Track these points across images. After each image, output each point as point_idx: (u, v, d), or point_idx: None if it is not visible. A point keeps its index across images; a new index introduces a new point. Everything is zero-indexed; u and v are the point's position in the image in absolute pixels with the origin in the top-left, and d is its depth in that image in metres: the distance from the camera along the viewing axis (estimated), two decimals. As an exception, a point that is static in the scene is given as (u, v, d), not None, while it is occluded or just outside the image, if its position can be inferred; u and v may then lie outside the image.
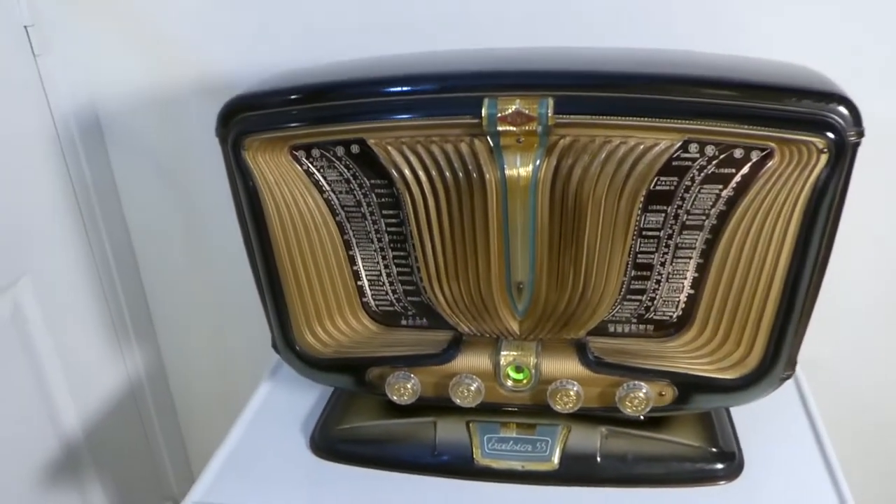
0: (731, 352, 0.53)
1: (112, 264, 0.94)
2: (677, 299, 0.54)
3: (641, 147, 0.48)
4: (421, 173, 0.51)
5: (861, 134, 0.46)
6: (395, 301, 0.58)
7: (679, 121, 0.47)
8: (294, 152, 0.53)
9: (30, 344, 0.83)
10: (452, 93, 0.48)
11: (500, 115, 0.47)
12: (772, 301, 0.50)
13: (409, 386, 0.56)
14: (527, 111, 0.47)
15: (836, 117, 0.45)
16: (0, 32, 0.75)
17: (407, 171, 0.51)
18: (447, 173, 0.50)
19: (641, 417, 0.59)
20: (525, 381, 0.55)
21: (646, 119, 0.47)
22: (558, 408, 0.54)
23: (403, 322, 0.59)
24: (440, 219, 0.52)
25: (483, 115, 0.47)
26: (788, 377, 0.54)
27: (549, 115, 0.47)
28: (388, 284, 0.58)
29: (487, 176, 0.49)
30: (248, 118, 0.51)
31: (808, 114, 0.45)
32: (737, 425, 0.62)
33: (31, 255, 0.82)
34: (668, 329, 0.55)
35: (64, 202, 0.86)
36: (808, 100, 0.46)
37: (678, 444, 0.57)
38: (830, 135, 0.45)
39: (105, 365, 0.97)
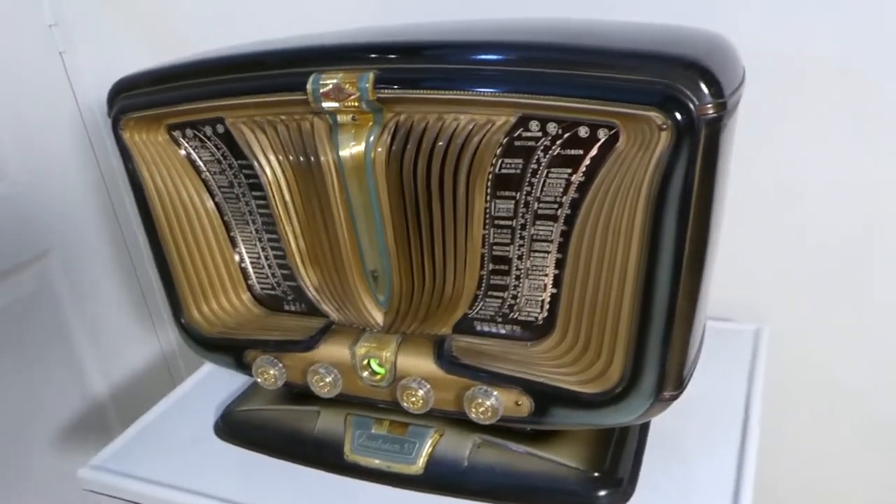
0: (593, 362, 0.46)
1: (142, 245, 1.02)
2: (540, 298, 0.48)
3: (474, 125, 0.44)
4: (271, 154, 0.50)
5: (721, 107, 0.38)
6: (275, 285, 0.57)
7: (506, 94, 0.41)
8: (172, 133, 0.54)
9: (58, 314, 0.92)
10: (286, 69, 0.47)
11: (321, 90, 0.45)
12: (626, 305, 0.43)
13: (272, 371, 0.55)
14: (346, 86, 0.44)
15: (680, 87, 0.38)
16: (27, 32, 0.85)
17: (258, 151, 0.50)
18: (290, 155, 0.49)
19: (528, 429, 0.53)
20: (379, 378, 0.52)
21: (469, 93, 0.42)
22: (406, 406, 0.50)
23: (287, 307, 0.58)
24: (294, 200, 0.51)
25: (308, 90, 0.45)
26: (674, 398, 0.46)
27: (370, 88, 0.44)
28: (267, 267, 0.57)
29: (323, 157, 0.47)
30: (124, 98, 0.53)
31: (645, 83, 0.38)
32: (663, 451, 0.54)
33: (58, 233, 0.91)
34: (535, 332, 0.49)
35: (92, 187, 0.95)
36: (651, 66, 0.39)
37: (554, 462, 0.51)
38: (674, 109, 0.38)
39: (138, 340, 1.06)
